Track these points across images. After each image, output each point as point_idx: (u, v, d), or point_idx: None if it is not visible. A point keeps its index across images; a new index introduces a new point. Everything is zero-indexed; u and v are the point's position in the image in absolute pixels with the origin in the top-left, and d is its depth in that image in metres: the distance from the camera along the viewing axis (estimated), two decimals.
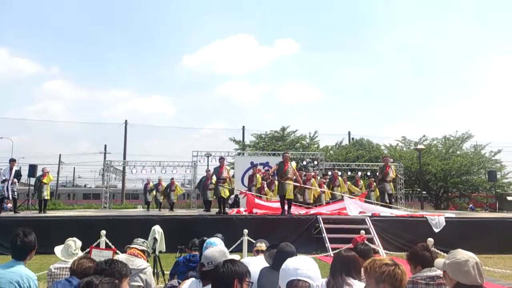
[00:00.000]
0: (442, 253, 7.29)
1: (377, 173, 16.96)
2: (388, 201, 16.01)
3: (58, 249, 4.49)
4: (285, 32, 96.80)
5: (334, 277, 3.26)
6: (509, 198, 27.15)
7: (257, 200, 15.58)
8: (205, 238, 4.62)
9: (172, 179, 21.67)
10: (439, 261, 3.01)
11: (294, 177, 13.55)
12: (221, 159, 15.25)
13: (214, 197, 16.13)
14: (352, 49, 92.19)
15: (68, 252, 4.38)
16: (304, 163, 29.54)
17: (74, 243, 4.41)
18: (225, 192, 14.74)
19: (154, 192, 21.63)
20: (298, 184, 14.17)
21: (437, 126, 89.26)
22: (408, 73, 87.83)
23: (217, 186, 14.87)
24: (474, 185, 34.33)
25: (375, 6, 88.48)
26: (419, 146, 30.13)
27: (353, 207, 14.67)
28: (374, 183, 18.38)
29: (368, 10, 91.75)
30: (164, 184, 21.89)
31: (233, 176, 20.65)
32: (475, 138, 37.30)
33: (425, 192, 35.11)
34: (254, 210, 14.84)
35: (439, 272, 3.35)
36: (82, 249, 4.72)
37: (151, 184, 22.09)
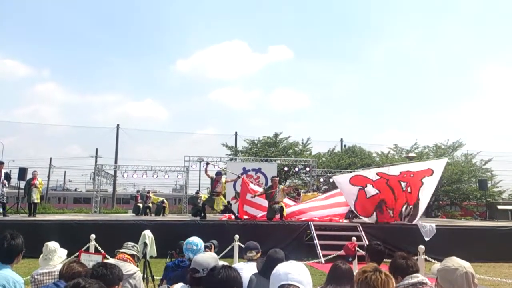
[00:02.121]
0: (433, 260, 7.30)
1: None
2: None
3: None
4: (279, 39, 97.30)
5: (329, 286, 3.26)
6: (499, 207, 27.36)
7: (248, 196, 15.33)
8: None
9: (149, 191, 23.58)
10: (435, 267, 3.00)
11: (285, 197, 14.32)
12: (218, 174, 15.00)
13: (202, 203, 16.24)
14: (345, 57, 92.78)
15: (42, 257, 4.32)
16: (296, 169, 29.58)
17: (46, 248, 4.33)
18: (218, 205, 14.65)
19: (141, 205, 21.95)
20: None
21: (428, 134, 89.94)
22: (400, 82, 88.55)
23: (211, 197, 14.78)
24: (465, 193, 34.46)
25: (369, 15, 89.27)
26: (411, 154, 30.24)
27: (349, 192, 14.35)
28: None
29: (362, 19, 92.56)
30: (153, 196, 22.59)
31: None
32: (466, 147, 37.51)
33: None
34: (245, 209, 14.87)
35: (421, 278, 3.32)
36: (72, 253, 4.66)
37: (140, 201, 22.50)
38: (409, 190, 13.92)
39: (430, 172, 14.02)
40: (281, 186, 14.28)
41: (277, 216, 13.65)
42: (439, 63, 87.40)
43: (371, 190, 13.89)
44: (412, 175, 14.02)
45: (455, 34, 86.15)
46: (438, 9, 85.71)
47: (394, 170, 14.44)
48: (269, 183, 15.03)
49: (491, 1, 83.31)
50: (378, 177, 13.99)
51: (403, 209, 13.99)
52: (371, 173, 14.44)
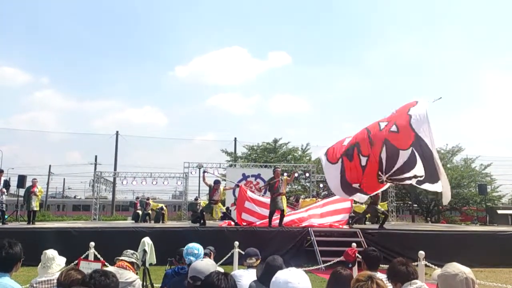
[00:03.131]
0: (433, 266, 7.28)
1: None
2: (382, 218, 15.59)
3: None
4: (278, 45, 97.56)
5: None
6: (499, 211, 27.40)
7: (246, 204, 15.32)
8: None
9: (148, 198, 23.56)
10: (436, 272, 2.99)
11: (287, 188, 13.76)
12: (216, 183, 15.06)
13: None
14: (344, 62, 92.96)
15: (41, 265, 4.31)
16: (296, 175, 29.56)
17: (44, 256, 4.32)
18: (217, 213, 14.77)
19: (140, 212, 21.93)
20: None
21: None
22: (399, 86, 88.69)
23: (209, 205, 14.84)
24: (464, 198, 34.45)
25: (369, 20, 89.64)
26: None
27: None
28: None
29: (361, 24, 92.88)
30: (152, 203, 22.60)
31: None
32: (465, 152, 37.56)
33: (416, 205, 35.21)
34: (243, 216, 14.83)
35: (420, 284, 3.30)
36: (71, 261, 4.65)
37: (139, 208, 22.46)
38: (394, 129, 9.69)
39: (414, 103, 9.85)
40: (284, 177, 14.18)
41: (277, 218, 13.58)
42: (438, 67, 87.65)
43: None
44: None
45: (454, 38, 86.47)
46: (438, 13, 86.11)
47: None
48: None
49: (491, 7, 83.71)
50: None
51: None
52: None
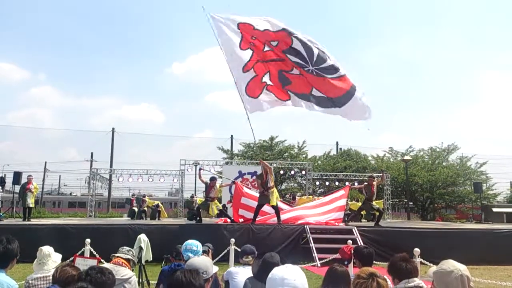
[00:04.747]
0: (429, 263, 7.32)
1: (364, 192, 16.17)
2: (377, 215, 15.54)
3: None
4: None
5: None
6: (494, 209, 27.47)
7: (243, 200, 15.34)
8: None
9: (144, 195, 23.53)
10: (431, 269, 3.01)
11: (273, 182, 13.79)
12: (213, 179, 14.97)
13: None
14: (341, 60, 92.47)
15: (37, 262, 4.30)
16: (292, 172, 29.60)
17: (40, 252, 4.31)
18: (213, 211, 14.71)
19: (136, 209, 21.91)
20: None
21: (423, 137, 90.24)
22: (396, 85, 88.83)
23: (206, 202, 14.81)
24: (460, 196, 34.56)
25: (364, 19, 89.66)
26: (406, 157, 30.32)
27: None
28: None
29: (358, 23, 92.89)
30: (148, 200, 22.60)
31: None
32: (461, 150, 37.67)
33: (411, 203, 35.28)
34: (240, 212, 14.81)
35: (418, 282, 3.31)
36: (66, 258, 4.64)
37: (135, 205, 22.48)
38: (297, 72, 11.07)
39: None
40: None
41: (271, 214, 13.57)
42: (435, 67, 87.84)
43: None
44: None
45: (451, 38, 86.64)
46: (435, 13, 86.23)
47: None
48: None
49: (487, 6, 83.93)
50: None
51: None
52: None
